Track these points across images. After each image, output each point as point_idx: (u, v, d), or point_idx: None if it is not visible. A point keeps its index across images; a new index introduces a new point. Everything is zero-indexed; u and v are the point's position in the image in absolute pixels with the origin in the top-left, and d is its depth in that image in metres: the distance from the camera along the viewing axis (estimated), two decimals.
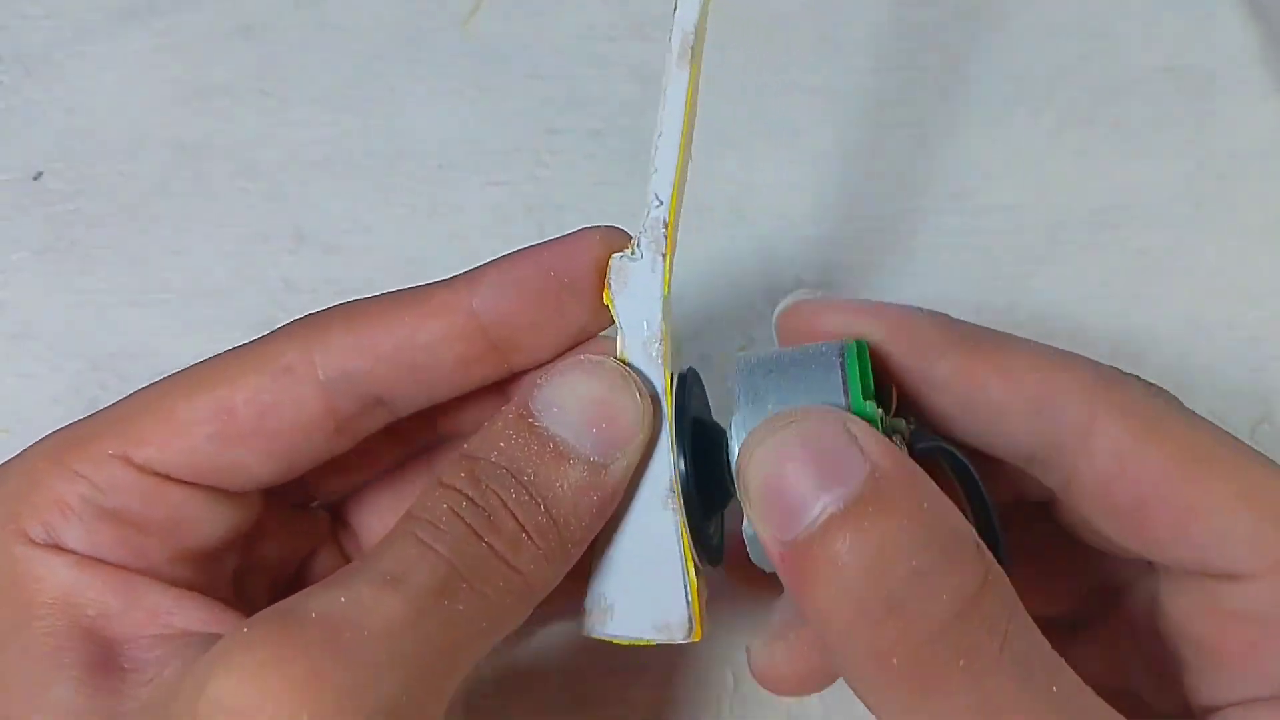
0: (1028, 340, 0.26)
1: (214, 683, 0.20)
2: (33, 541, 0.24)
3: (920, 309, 0.27)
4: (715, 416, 0.29)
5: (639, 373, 0.26)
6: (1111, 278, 0.39)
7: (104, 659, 0.23)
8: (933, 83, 0.43)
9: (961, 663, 0.20)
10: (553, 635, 0.34)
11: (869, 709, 0.22)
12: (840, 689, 0.33)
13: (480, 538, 0.23)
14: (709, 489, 0.26)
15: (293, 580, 0.29)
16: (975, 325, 0.26)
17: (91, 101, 0.42)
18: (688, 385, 0.27)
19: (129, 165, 0.41)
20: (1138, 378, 0.25)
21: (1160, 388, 0.25)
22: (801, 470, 0.21)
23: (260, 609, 0.22)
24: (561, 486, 0.24)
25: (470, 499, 0.23)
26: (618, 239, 0.26)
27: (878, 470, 0.21)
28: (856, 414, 0.23)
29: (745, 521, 0.24)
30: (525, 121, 0.42)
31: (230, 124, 0.42)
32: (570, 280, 0.26)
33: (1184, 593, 0.25)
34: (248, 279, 0.39)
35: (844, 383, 0.24)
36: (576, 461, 0.24)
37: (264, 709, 0.20)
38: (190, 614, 0.24)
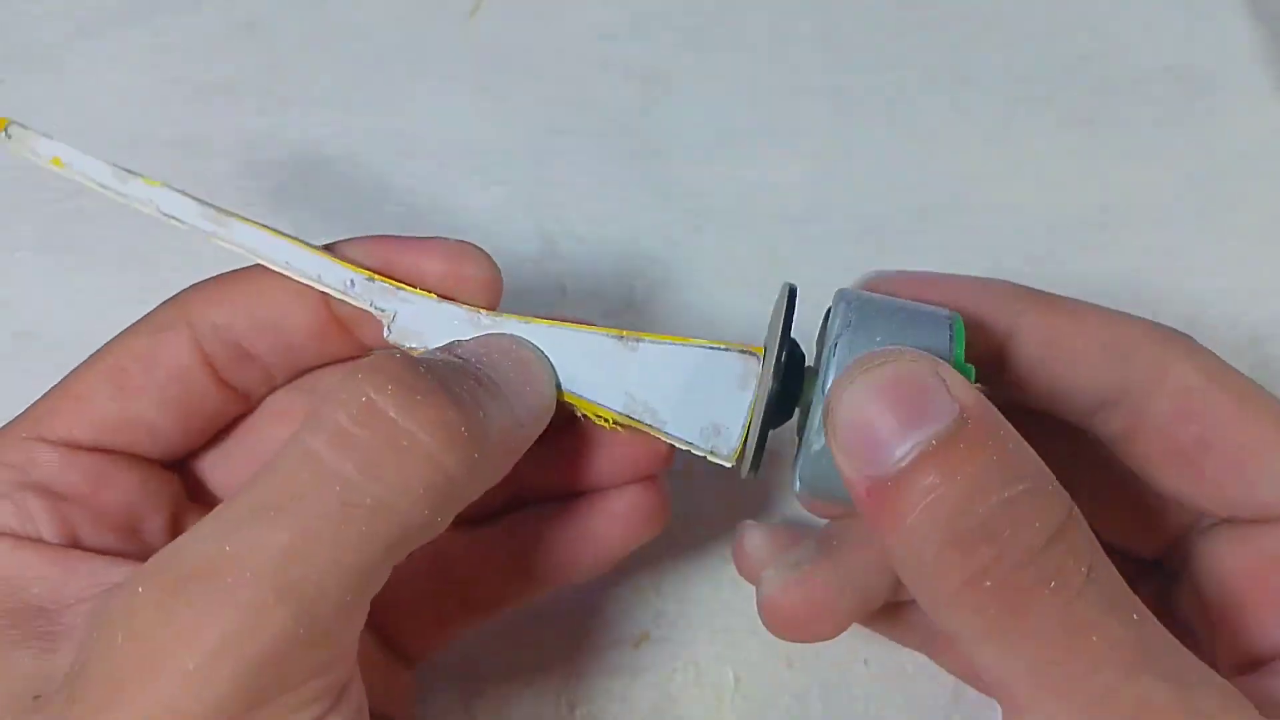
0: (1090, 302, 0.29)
1: (106, 636, 0.21)
2: None
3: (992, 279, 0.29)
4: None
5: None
6: (1111, 278, 0.39)
7: (50, 628, 0.24)
8: (933, 83, 0.43)
9: (1052, 584, 0.21)
10: (553, 636, 0.34)
11: (953, 633, 0.22)
12: (839, 690, 0.33)
13: (401, 433, 0.22)
14: (783, 407, 0.27)
15: None
16: (1043, 290, 0.29)
17: (92, 100, 0.42)
18: (795, 301, 0.27)
19: (130, 164, 0.41)
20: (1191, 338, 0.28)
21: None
22: (893, 408, 0.22)
23: None
24: (490, 407, 0.24)
25: (401, 381, 0.23)
26: (464, 253, 0.28)
27: (966, 410, 0.22)
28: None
29: (803, 455, 0.25)
30: (526, 121, 0.42)
31: (231, 123, 0.42)
32: (426, 263, 0.28)
33: (1233, 541, 0.27)
34: None
35: (951, 341, 0.25)
36: (504, 402, 0.25)
37: (156, 659, 0.21)
38: (124, 573, 0.25)
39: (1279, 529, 0.26)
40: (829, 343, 0.26)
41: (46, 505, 0.26)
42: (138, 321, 0.28)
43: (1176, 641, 0.22)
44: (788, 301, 0.27)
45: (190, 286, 0.29)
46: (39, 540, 0.26)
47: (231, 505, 0.22)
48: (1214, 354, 0.27)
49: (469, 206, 0.41)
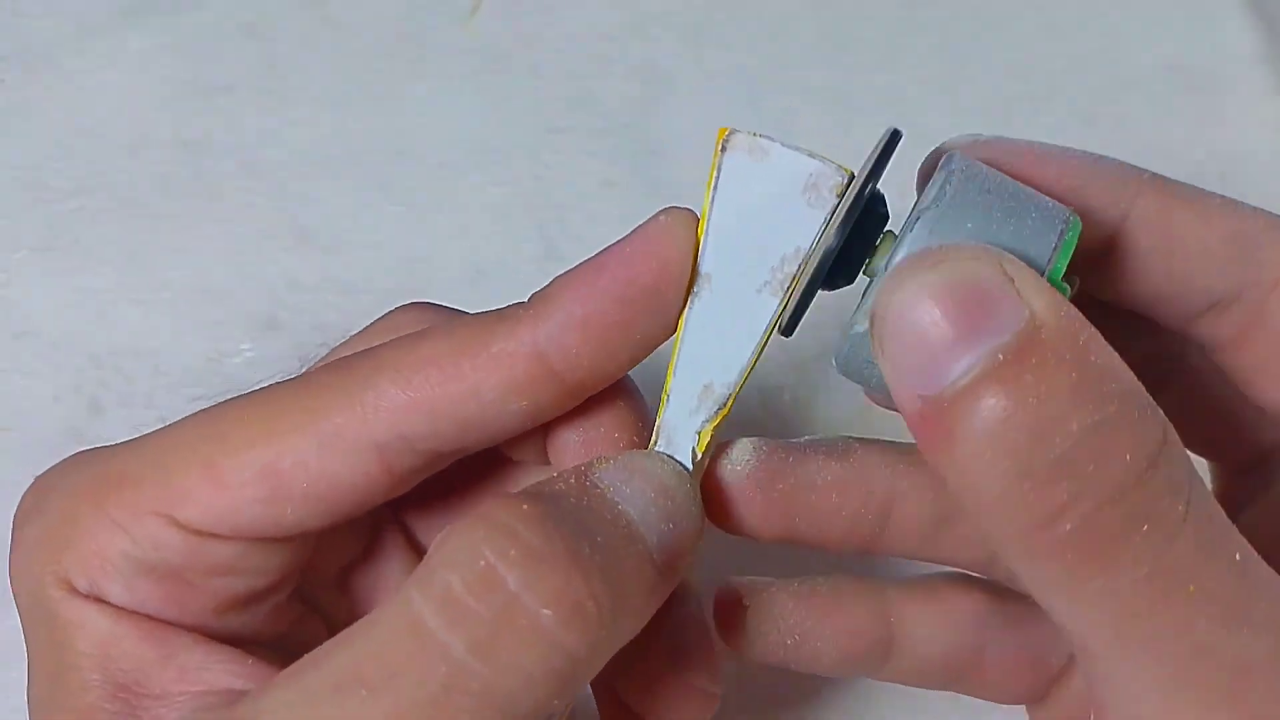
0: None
1: None
2: (75, 590, 0.23)
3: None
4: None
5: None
6: None
7: (133, 713, 0.22)
8: (933, 83, 0.43)
9: (1145, 527, 0.18)
10: None
11: (1028, 583, 0.20)
12: (840, 690, 0.33)
13: (521, 610, 0.19)
14: (843, 269, 0.23)
15: (344, 576, 0.28)
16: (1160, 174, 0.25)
17: (93, 100, 0.42)
18: (894, 149, 0.23)
19: (130, 164, 0.41)
20: None
21: None
22: (951, 315, 0.19)
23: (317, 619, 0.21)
24: (628, 564, 0.21)
25: (525, 543, 0.19)
26: (679, 225, 0.23)
27: (1038, 318, 0.18)
28: (1051, 283, 0.21)
29: (846, 332, 0.22)
30: (527, 120, 0.42)
31: (232, 123, 0.42)
32: (643, 297, 0.23)
33: None
34: (249, 278, 0.39)
35: (1056, 249, 0.21)
36: (643, 549, 0.21)
37: None
38: (220, 671, 0.23)
39: None
40: (912, 212, 0.22)
41: (163, 591, 0.23)
42: (297, 395, 0.23)
43: (1278, 579, 0.20)
44: (884, 145, 0.23)
45: (360, 361, 0.23)
46: (141, 614, 0.23)
47: (318, 670, 0.19)
48: None
49: (469, 206, 0.41)
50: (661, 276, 0.23)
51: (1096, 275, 0.24)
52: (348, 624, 0.20)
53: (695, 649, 0.25)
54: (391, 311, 0.27)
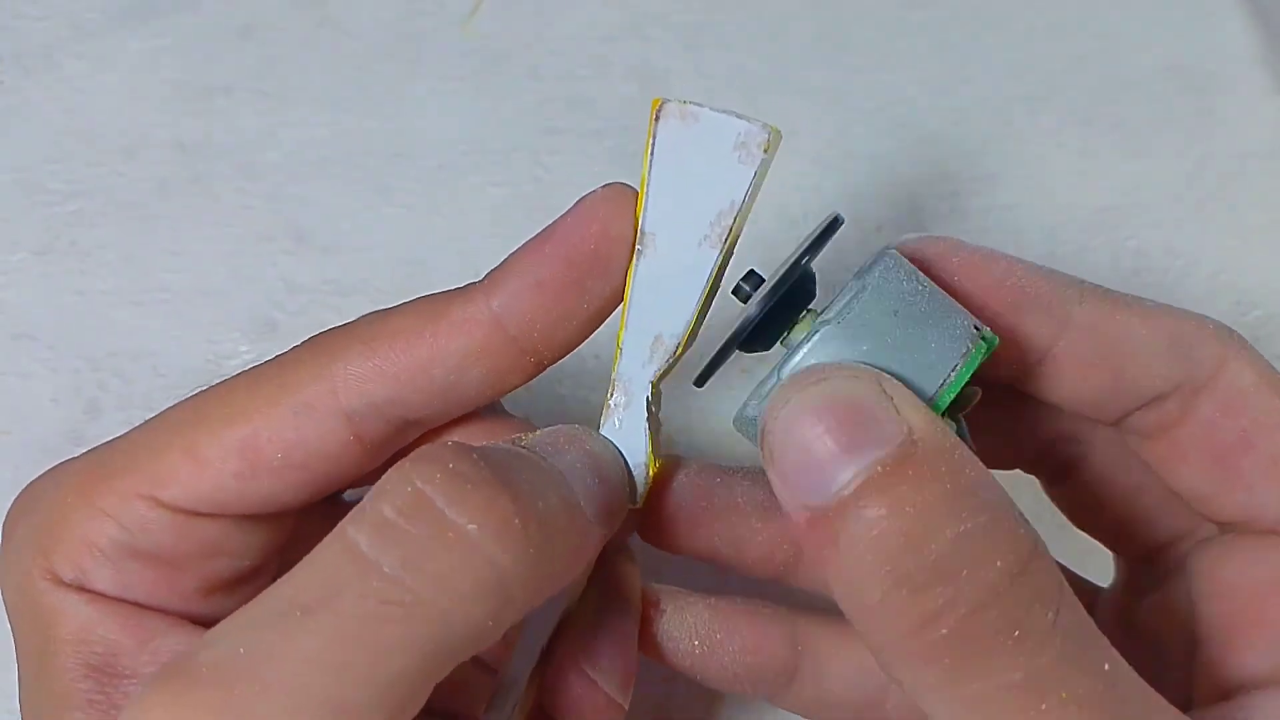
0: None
1: None
2: (59, 581, 0.24)
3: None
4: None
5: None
6: (1111, 278, 0.39)
7: (108, 697, 0.23)
8: (933, 82, 0.43)
9: (1016, 633, 0.19)
10: None
11: (908, 688, 0.21)
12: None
13: (447, 525, 0.20)
14: (762, 336, 0.24)
15: None
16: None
17: (91, 102, 0.42)
18: (832, 234, 0.24)
19: (128, 165, 0.41)
20: None
21: None
22: (833, 431, 0.20)
23: None
24: (557, 503, 0.22)
25: (453, 469, 0.20)
26: (618, 195, 0.24)
27: (915, 432, 0.20)
28: (938, 406, 0.22)
29: (754, 394, 0.23)
30: (525, 121, 0.42)
31: (230, 124, 0.42)
32: (589, 259, 0.24)
33: (1237, 554, 0.25)
34: (247, 279, 0.39)
35: (954, 369, 0.22)
36: (570, 495, 0.22)
37: None
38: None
39: None
40: (833, 306, 0.23)
41: (150, 573, 0.24)
42: (270, 374, 0.25)
43: (1148, 689, 0.21)
44: (824, 228, 0.24)
45: (329, 343, 0.25)
46: (123, 601, 0.24)
47: (261, 602, 0.20)
48: (1263, 356, 0.26)
49: (469, 206, 0.40)
50: (603, 240, 0.24)
51: (1035, 379, 0.26)
52: None
53: (613, 656, 0.26)
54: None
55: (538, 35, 0.44)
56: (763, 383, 0.23)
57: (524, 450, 0.23)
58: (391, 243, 0.40)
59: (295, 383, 0.24)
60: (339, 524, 0.20)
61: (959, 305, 0.23)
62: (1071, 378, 0.25)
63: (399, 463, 0.21)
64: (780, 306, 0.23)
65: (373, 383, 0.24)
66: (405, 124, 0.42)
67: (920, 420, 0.20)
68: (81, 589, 0.24)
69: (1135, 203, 0.40)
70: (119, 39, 0.43)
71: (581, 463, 0.23)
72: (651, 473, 0.25)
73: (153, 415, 0.26)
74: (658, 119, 0.24)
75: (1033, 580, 0.20)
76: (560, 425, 0.24)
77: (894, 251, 0.24)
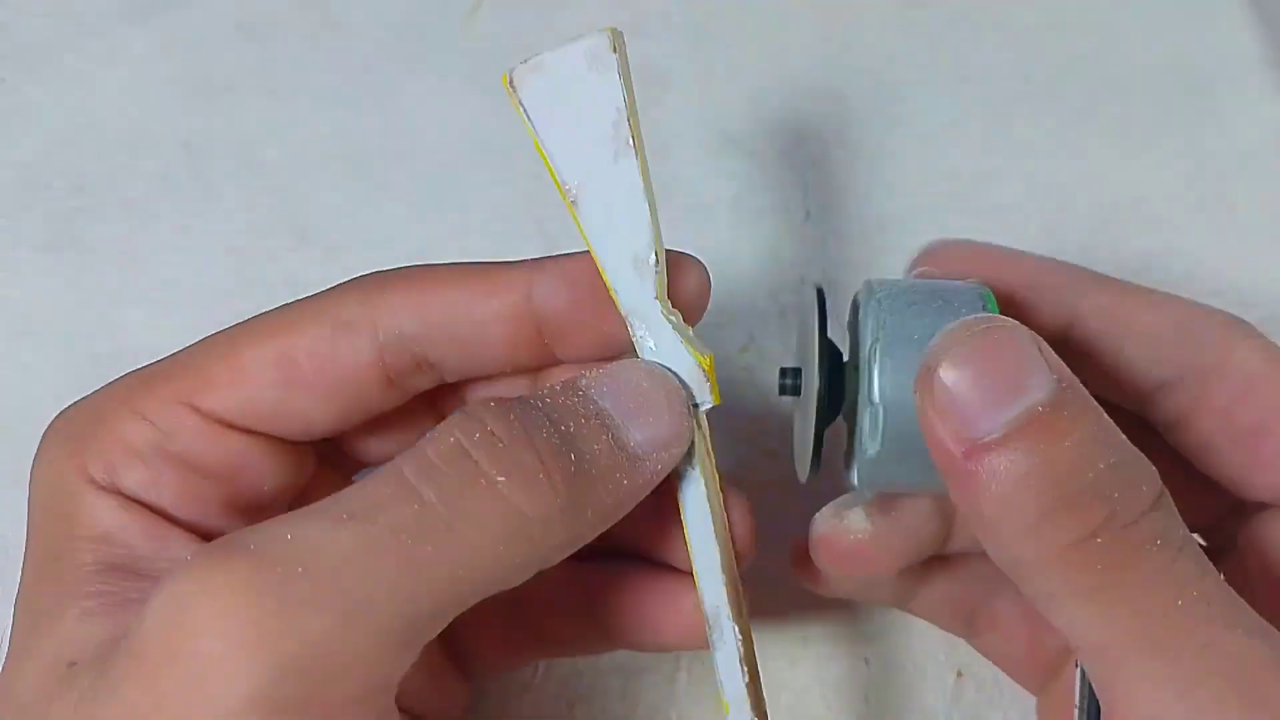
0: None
1: (150, 612, 0.21)
2: (92, 480, 0.25)
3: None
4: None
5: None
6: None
7: (122, 592, 0.24)
8: (933, 83, 0.43)
9: (1158, 542, 0.22)
10: None
11: (1050, 601, 0.23)
12: (841, 689, 0.33)
13: (480, 474, 0.22)
14: (831, 406, 0.27)
15: None
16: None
17: (93, 99, 0.42)
18: (825, 303, 0.27)
19: (131, 163, 0.41)
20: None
21: None
22: (997, 372, 0.22)
23: None
24: (598, 450, 0.24)
25: (490, 430, 0.23)
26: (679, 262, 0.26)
27: (1064, 380, 0.22)
28: None
29: (859, 458, 0.26)
30: None
31: (232, 122, 0.42)
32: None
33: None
34: (249, 277, 0.39)
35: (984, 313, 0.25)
36: (618, 439, 0.24)
37: (185, 640, 0.20)
38: None
39: None
40: (865, 345, 0.25)
41: (179, 479, 0.25)
42: (318, 299, 0.27)
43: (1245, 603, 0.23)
44: (819, 306, 0.26)
45: (378, 277, 0.27)
46: (148, 508, 0.25)
47: (311, 508, 0.22)
48: (1272, 342, 0.28)
49: (469, 206, 0.41)
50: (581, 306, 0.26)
51: None
52: None
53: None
54: None
55: (539, 34, 0.44)
56: (863, 417, 0.26)
57: (579, 392, 0.24)
58: (394, 240, 0.40)
59: (338, 306, 0.26)
60: (390, 462, 0.23)
61: (946, 279, 0.26)
62: (1083, 365, 0.27)
63: (447, 419, 0.23)
64: (833, 380, 0.26)
65: (407, 314, 0.26)
66: (408, 122, 0.42)
67: (1065, 369, 0.22)
68: (111, 490, 0.25)
69: (1135, 203, 0.41)
70: (122, 36, 0.43)
71: (631, 402, 0.25)
72: (707, 369, 0.26)
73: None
74: (515, 89, 0.25)
75: (1166, 502, 0.22)
76: (620, 364, 0.26)
77: (868, 279, 0.26)
